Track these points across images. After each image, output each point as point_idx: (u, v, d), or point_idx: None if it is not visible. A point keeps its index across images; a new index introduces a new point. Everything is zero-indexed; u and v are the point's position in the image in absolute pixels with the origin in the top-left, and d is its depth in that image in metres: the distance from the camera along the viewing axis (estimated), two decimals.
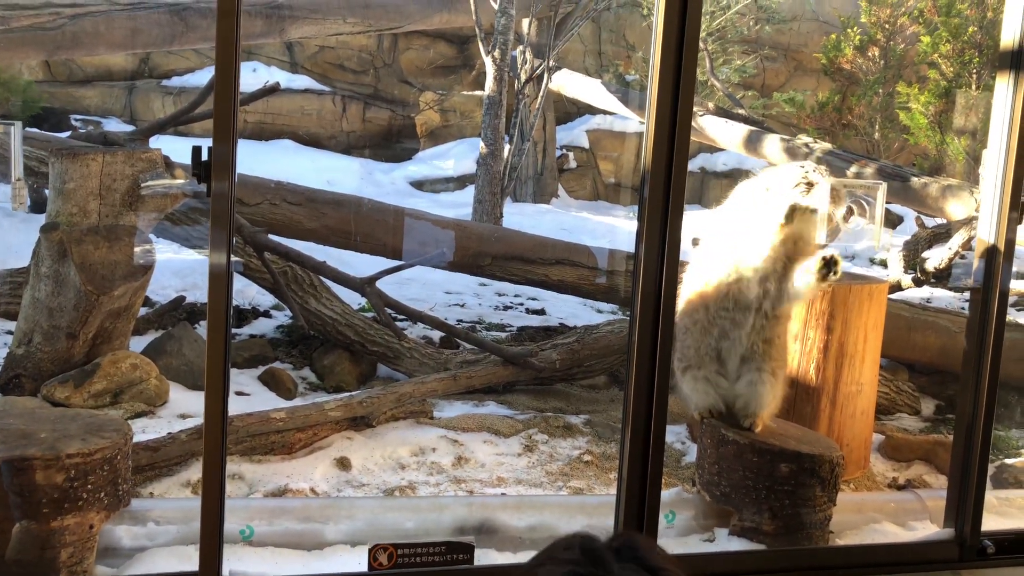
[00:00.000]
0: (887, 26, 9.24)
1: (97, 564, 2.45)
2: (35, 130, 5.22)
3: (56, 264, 3.70)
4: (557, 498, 3.33)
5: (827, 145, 7.77)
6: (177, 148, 4.18)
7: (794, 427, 3.29)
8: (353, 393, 3.93)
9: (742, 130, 7.91)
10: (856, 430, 3.84)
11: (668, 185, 2.64)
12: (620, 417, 4.35)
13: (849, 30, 9.30)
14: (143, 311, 4.53)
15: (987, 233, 2.91)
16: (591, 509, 3.06)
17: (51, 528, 2.35)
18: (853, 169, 6.99)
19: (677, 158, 2.63)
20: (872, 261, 8.35)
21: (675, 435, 4.08)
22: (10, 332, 4.28)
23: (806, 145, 7.69)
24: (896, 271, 5.30)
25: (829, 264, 2.84)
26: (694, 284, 3.07)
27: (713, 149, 9.90)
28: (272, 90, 4.50)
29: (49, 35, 5.49)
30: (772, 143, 7.68)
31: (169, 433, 3.26)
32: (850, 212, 3.60)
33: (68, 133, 5.57)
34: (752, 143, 7.95)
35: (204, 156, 2.38)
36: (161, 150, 4.17)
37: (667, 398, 2.69)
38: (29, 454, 2.33)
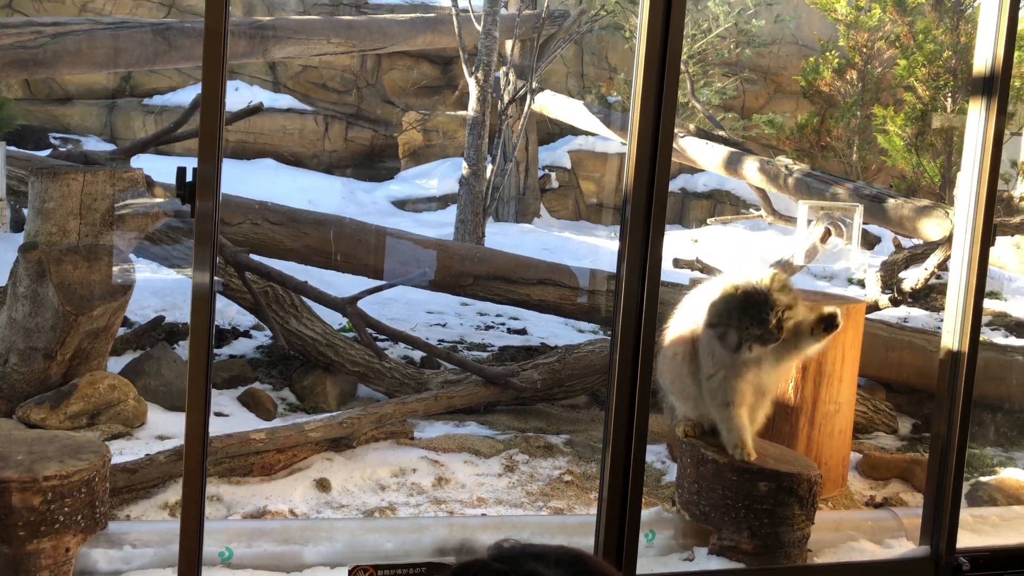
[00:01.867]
0: (865, 50, 9.39)
1: None
2: (14, 149, 5.18)
3: (34, 284, 3.67)
4: (537, 518, 3.32)
5: (805, 166, 7.87)
6: (158, 167, 4.18)
7: (773, 446, 3.32)
8: (333, 414, 3.92)
9: (722, 151, 8.00)
10: (834, 449, 3.87)
11: (649, 205, 2.67)
12: (601, 437, 4.36)
13: (828, 53, 9.45)
14: (121, 331, 4.50)
15: (961, 253, 2.96)
16: (572, 529, 3.06)
17: (27, 551, 2.32)
18: (831, 191, 7.09)
19: (658, 179, 2.66)
20: (850, 281, 8.44)
21: (655, 454, 4.09)
22: None
23: (785, 167, 7.79)
24: (873, 291, 5.37)
25: (828, 323, 2.85)
26: (683, 323, 3.07)
27: (693, 170, 9.99)
28: (255, 110, 4.51)
29: (30, 53, 5.47)
30: (751, 165, 7.77)
31: (147, 455, 3.23)
32: (827, 233, 3.66)
33: (48, 152, 5.54)
34: (732, 164, 8.03)
35: (189, 176, 2.38)
36: (143, 169, 4.17)
37: (647, 418, 2.70)
38: (5, 476, 2.31)
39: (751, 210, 9.72)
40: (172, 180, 4.27)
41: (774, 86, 12.22)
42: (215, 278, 2.40)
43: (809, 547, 3.00)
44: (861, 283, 7.87)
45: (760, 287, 2.78)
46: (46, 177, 3.80)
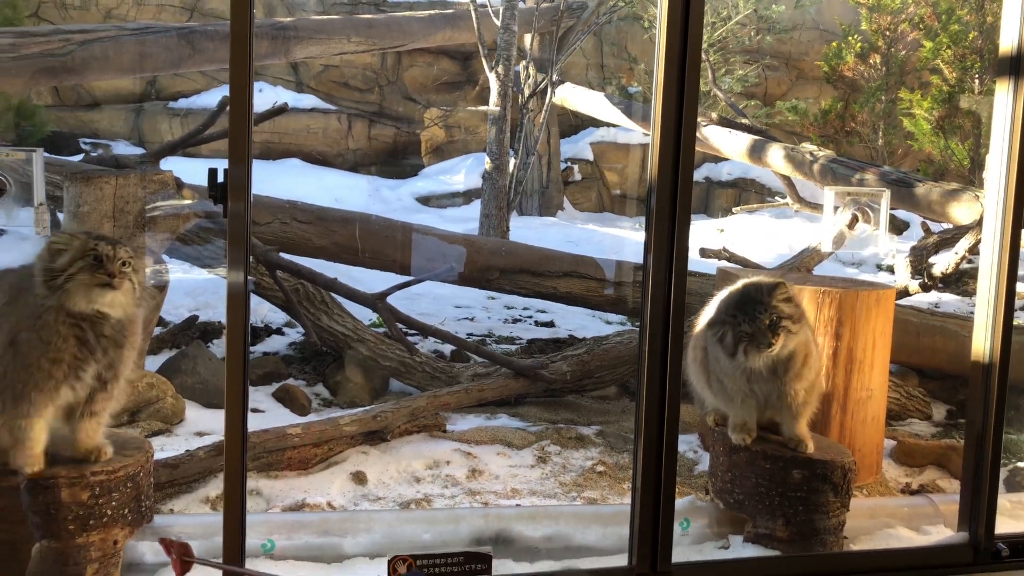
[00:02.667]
0: (888, 33, 9.30)
1: None
2: (48, 155, 5.29)
3: None
4: (572, 508, 3.35)
5: (830, 152, 7.81)
6: (186, 169, 4.25)
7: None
8: (367, 408, 3.97)
9: (746, 139, 7.96)
10: (867, 436, 3.86)
11: (675, 195, 2.67)
12: (632, 427, 4.38)
13: (850, 38, 9.37)
14: (157, 330, 4.58)
15: (992, 237, 2.94)
16: (606, 519, 3.08)
17: (76, 544, 2.39)
18: (858, 176, 7.03)
19: (683, 168, 2.66)
20: (879, 267, 8.37)
21: (687, 444, 4.10)
22: None
23: (810, 153, 7.73)
24: (903, 277, 5.33)
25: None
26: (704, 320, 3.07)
27: (717, 159, 9.95)
28: (280, 110, 4.56)
29: (59, 61, 5.57)
30: (776, 152, 7.72)
31: (187, 450, 3.30)
32: (855, 219, 3.64)
33: (80, 157, 5.64)
34: (756, 152, 7.99)
35: (220, 178, 2.42)
36: (172, 171, 4.23)
37: (679, 407, 2.71)
38: (54, 472, 2.37)
39: (776, 198, 9.67)
40: (200, 181, 4.36)
41: (796, 72, 12.12)
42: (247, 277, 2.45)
43: (845, 534, 3.00)
44: (890, 269, 7.80)
45: (760, 285, 2.78)
46: (80, 181, 3.88)
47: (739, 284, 2.90)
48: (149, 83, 10.27)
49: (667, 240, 2.66)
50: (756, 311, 2.75)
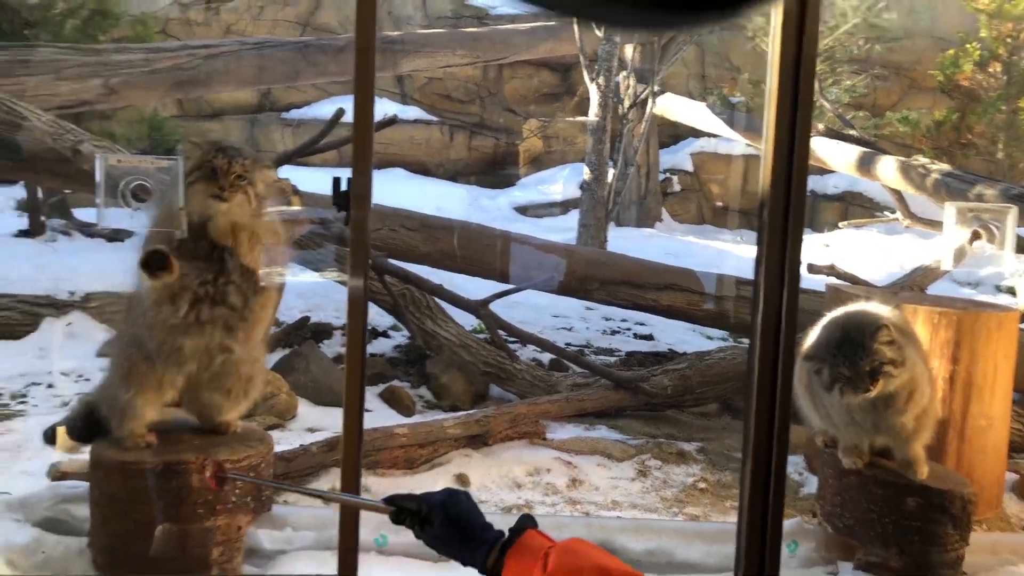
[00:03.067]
0: (1010, 40, 8.88)
1: (243, 564, 2.62)
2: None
3: None
4: (675, 523, 3.33)
5: (945, 166, 7.50)
6: (298, 177, 4.45)
7: None
8: (470, 412, 4.05)
9: (854, 151, 7.73)
10: (987, 467, 3.67)
11: (787, 209, 2.64)
12: (734, 445, 4.31)
13: (968, 46, 8.98)
14: (271, 330, 4.79)
15: None
16: (710, 536, 3.05)
17: (204, 528, 2.53)
18: (975, 191, 6.73)
19: (796, 181, 2.62)
20: (998, 288, 7.97)
21: (792, 465, 4.01)
22: None
23: (923, 167, 7.45)
24: None
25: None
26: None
27: (823, 171, 9.69)
28: (391, 122, 4.71)
29: (187, 75, 5.92)
30: (886, 165, 7.47)
31: (302, 445, 3.44)
32: (976, 236, 3.49)
33: None
34: (865, 165, 7.75)
35: (343, 186, 2.53)
36: (290, 180, 4.43)
37: (788, 427, 2.67)
38: (186, 459, 2.52)
39: (886, 213, 9.34)
40: (310, 189, 4.54)
41: (908, 82, 11.69)
42: None
43: (964, 569, 2.87)
44: (1011, 291, 7.42)
45: (862, 327, 2.68)
46: None
47: (841, 316, 2.80)
48: (264, 95, 10.76)
49: (779, 255, 2.62)
50: (856, 355, 2.65)
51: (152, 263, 2.41)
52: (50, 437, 2.81)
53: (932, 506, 2.82)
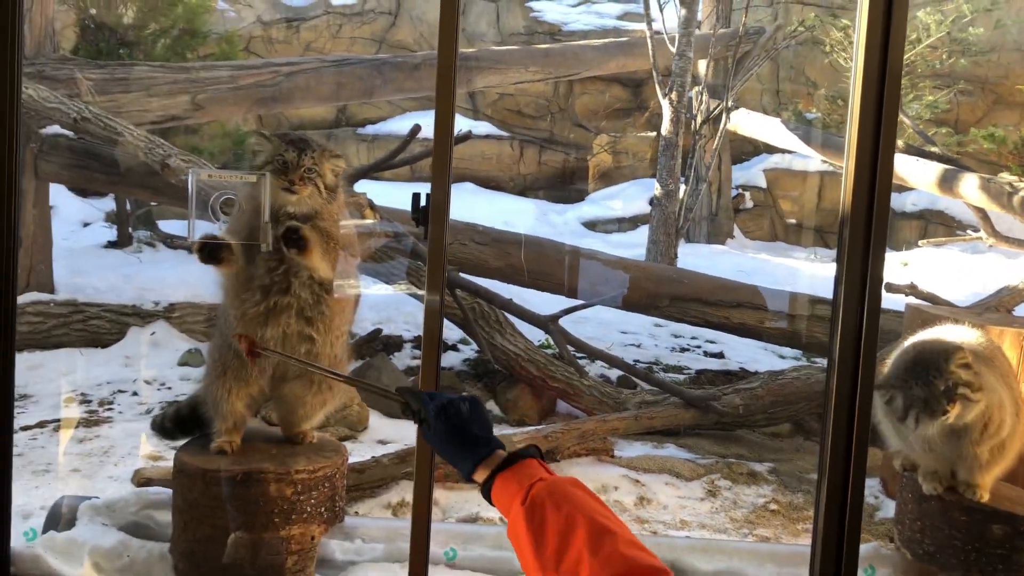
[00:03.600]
0: None
1: (315, 574, 2.68)
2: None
3: None
4: (746, 544, 3.27)
5: None
6: (372, 190, 4.55)
7: (1007, 487, 3.07)
8: (539, 427, 4.05)
9: (936, 168, 7.51)
10: None
11: (869, 227, 2.58)
12: (807, 467, 4.22)
13: None
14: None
15: None
16: (782, 558, 2.99)
17: (280, 536, 2.59)
18: None
19: (879, 199, 2.57)
20: None
21: (868, 488, 3.89)
22: None
23: (1009, 184, 7.18)
24: None
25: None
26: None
27: (901, 188, 9.42)
28: (465, 138, 4.78)
29: (269, 91, 6.12)
30: (970, 182, 7.23)
31: (373, 457, 3.50)
32: None
33: None
34: (947, 182, 7.52)
35: (423, 202, 2.57)
36: (366, 194, 4.53)
37: (867, 451, 2.60)
38: (264, 467, 2.59)
39: (968, 231, 9.02)
40: (385, 203, 4.63)
41: (993, 97, 11.28)
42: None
43: None
44: None
45: (935, 348, 2.59)
46: None
47: (914, 343, 2.73)
48: (340, 110, 11.02)
49: (859, 274, 2.56)
50: (930, 375, 2.58)
51: (204, 249, 2.51)
52: (159, 427, 2.93)
53: (1019, 534, 2.71)
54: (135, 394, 4.46)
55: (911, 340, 2.78)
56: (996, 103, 11.24)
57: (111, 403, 4.33)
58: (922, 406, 2.59)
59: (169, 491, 2.76)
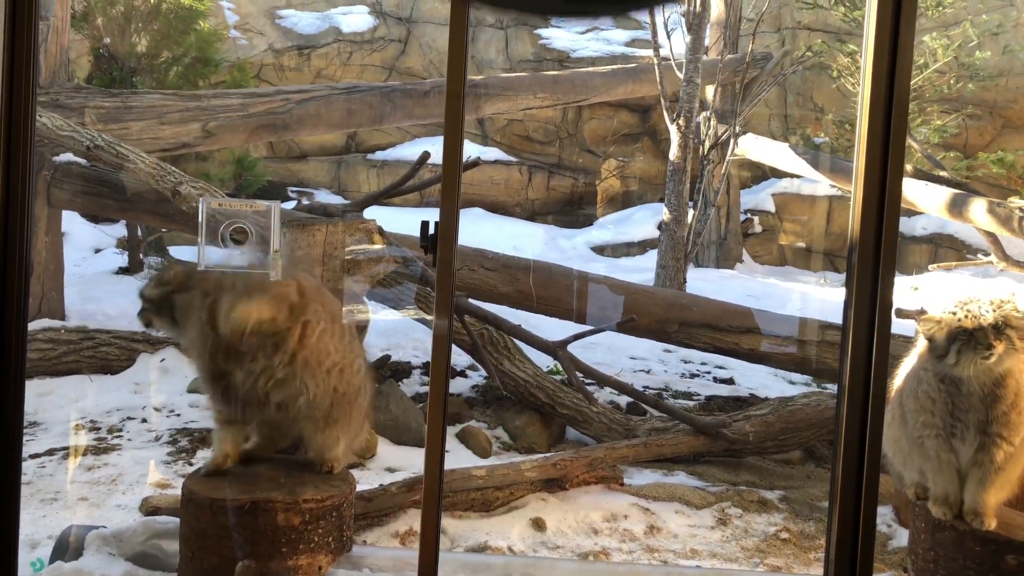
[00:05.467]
0: None
1: None
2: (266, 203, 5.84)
3: None
4: (757, 574, 3.23)
5: None
6: (381, 217, 4.57)
7: (1020, 515, 3.03)
8: (547, 455, 4.03)
9: (945, 193, 7.50)
10: None
11: (878, 252, 2.57)
12: (818, 494, 4.17)
13: None
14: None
15: None
16: None
17: (287, 566, 2.58)
18: None
19: (888, 223, 2.56)
20: None
21: (881, 517, 3.85)
22: None
23: (1020, 208, 7.17)
24: None
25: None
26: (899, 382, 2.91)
27: (911, 213, 9.40)
28: (474, 164, 4.79)
29: (280, 119, 6.17)
30: (979, 206, 7.22)
31: (381, 485, 3.48)
32: None
33: (293, 204, 6.20)
34: (956, 207, 7.51)
35: (431, 229, 2.58)
36: (375, 220, 4.55)
37: (878, 478, 2.57)
38: (273, 497, 2.58)
39: (979, 255, 8.98)
40: (393, 229, 4.64)
41: (1002, 121, 11.28)
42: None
43: None
44: None
45: (991, 297, 2.59)
46: (295, 228, 4.24)
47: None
48: (350, 137, 11.10)
49: (869, 299, 2.55)
50: (982, 309, 2.55)
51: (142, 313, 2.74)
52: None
53: None
54: (144, 421, 4.46)
55: None
56: (1005, 127, 11.24)
57: (120, 430, 4.33)
58: (967, 339, 2.55)
59: (177, 520, 2.75)
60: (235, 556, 2.57)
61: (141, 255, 7.21)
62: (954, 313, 2.62)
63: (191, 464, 3.93)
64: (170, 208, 5.11)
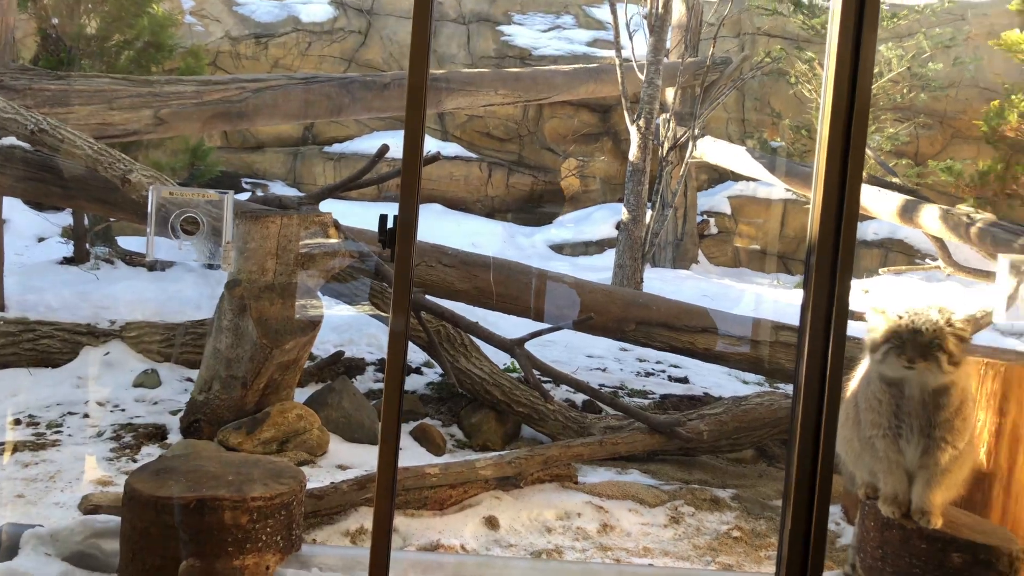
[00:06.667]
0: None
1: None
2: (222, 192, 5.71)
3: (236, 318, 4.00)
4: (708, 573, 3.24)
5: (990, 216, 7.38)
6: (337, 210, 4.49)
7: (965, 515, 3.09)
8: (502, 453, 4.00)
9: (897, 199, 7.66)
10: None
11: (836, 255, 2.60)
12: (770, 493, 4.21)
13: (1013, 97, 8.86)
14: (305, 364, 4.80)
15: None
16: None
17: (233, 566, 2.51)
18: (1021, 242, 6.61)
19: (845, 228, 2.58)
20: None
21: (830, 515, 3.90)
22: (191, 379, 4.64)
23: (967, 215, 7.34)
24: None
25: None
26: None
27: (863, 217, 9.58)
28: (434, 159, 4.73)
29: (235, 107, 6.03)
30: (929, 213, 7.38)
31: (332, 483, 3.42)
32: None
33: (247, 196, 6.07)
34: (908, 212, 7.66)
35: (390, 223, 2.53)
36: (331, 214, 4.47)
37: (831, 477, 2.60)
38: (219, 495, 2.51)
39: (927, 260, 9.19)
40: (349, 223, 4.57)
41: (951, 131, 11.56)
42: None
43: None
44: None
45: (947, 308, 2.64)
46: (248, 220, 4.15)
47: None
48: (307, 128, 10.94)
49: (826, 301, 2.57)
50: (923, 323, 2.60)
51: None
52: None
53: (978, 562, 2.72)
54: (86, 416, 4.32)
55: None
56: (954, 137, 11.52)
57: (60, 425, 4.19)
58: (899, 343, 2.60)
59: (118, 519, 2.66)
60: (179, 556, 2.49)
61: (88, 245, 7.00)
62: (900, 317, 2.66)
63: (135, 461, 3.81)
64: (118, 196, 4.96)
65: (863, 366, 2.88)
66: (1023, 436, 3.49)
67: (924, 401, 2.69)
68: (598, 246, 10.13)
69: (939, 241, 7.80)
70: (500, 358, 5.04)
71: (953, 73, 10.53)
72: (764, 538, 3.71)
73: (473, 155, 11.05)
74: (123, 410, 4.42)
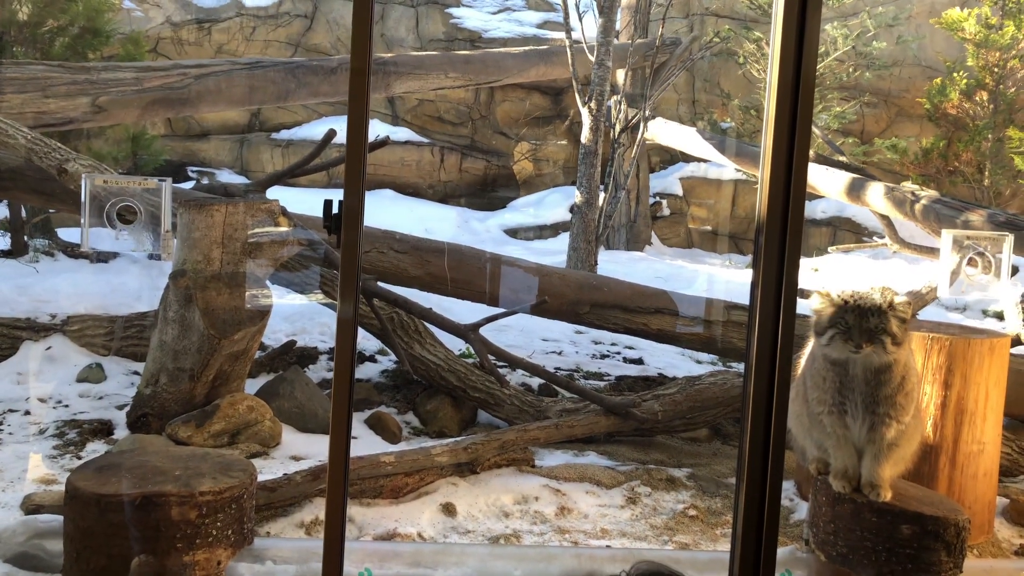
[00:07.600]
0: (996, 70, 8.96)
1: None
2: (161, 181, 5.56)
3: (182, 309, 3.91)
4: (665, 553, 3.27)
5: (934, 192, 7.54)
6: (286, 198, 4.41)
7: (914, 487, 3.16)
8: (458, 439, 3.98)
9: (844, 177, 7.77)
10: (978, 492, 3.65)
11: (784, 234, 2.61)
12: (724, 471, 4.26)
13: (955, 75, 9.06)
14: (256, 354, 4.71)
15: None
16: (701, 565, 2.99)
17: (183, 563, 2.45)
18: (963, 218, 6.76)
19: (794, 207, 2.60)
20: (985, 313, 7.98)
21: (783, 491, 3.95)
22: (137, 373, 4.53)
23: (912, 193, 7.48)
24: (1015, 324, 5.05)
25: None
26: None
27: (812, 196, 9.73)
28: (383, 143, 4.67)
29: (177, 94, 5.87)
30: (875, 191, 7.50)
31: (285, 474, 3.36)
32: (972, 263, 3.48)
33: (192, 184, 5.92)
34: (855, 191, 7.78)
35: (335, 209, 2.48)
36: (279, 201, 4.38)
37: (783, 454, 2.62)
38: (166, 490, 2.45)
39: (874, 238, 9.37)
40: (298, 211, 4.49)
41: (896, 109, 11.78)
42: None
43: None
44: (999, 316, 7.43)
45: (887, 290, 2.69)
46: (193, 209, 4.05)
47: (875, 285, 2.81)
48: (254, 115, 10.73)
49: (775, 280, 2.59)
50: (869, 306, 2.64)
51: None
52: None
53: (926, 533, 2.78)
54: (27, 413, 4.19)
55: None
56: (899, 115, 11.74)
57: (0, 424, 4.05)
58: (845, 328, 2.65)
59: (60, 518, 2.58)
60: (125, 554, 2.43)
61: (26, 237, 6.78)
62: (845, 301, 2.70)
63: (79, 458, 3.70)
64: (56, 187, 4.80)
65: (812, 343, 2.91)
66: (968, 409, 3.58)
67: (867, 379, 2.74)
68: (552, 230, 10.14)
69: (885, 219, 7.94)
70: (455, 344, 5.01)
71: (897, 51, 10.72)
72: (719, 516, 3.75)
73: (425, 140, 10.95)
74: (67, 406, 4.30)
